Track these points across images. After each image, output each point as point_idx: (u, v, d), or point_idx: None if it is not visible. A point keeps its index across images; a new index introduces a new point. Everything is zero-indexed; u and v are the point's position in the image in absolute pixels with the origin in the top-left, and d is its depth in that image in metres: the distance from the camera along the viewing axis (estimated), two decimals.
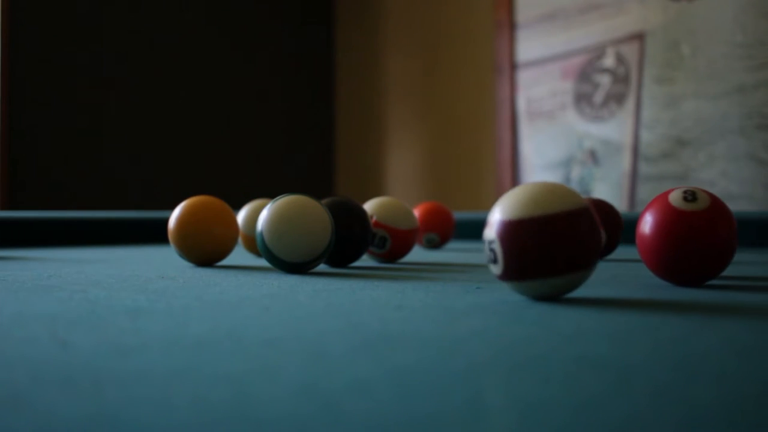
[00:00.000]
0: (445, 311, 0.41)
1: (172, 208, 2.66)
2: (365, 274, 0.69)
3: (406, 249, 0.88)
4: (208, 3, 2.90)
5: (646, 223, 0.54)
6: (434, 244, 1.25)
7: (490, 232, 0.45)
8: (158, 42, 2.73)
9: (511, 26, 2.52)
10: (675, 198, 0.54)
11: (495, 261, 0.44)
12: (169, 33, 2.77)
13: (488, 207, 2.63)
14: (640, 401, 0.21)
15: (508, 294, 0.50)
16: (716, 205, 0.53)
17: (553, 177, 2.39)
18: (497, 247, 0.44)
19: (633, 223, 1.41)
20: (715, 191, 1.97)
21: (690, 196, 0.53)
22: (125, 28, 2.64)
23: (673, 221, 0.52)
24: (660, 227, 0.53)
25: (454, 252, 1.18)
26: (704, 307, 0.43)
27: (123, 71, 2.62)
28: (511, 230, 0.43)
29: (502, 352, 0.29)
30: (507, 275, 0.44)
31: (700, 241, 0.52)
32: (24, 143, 2.37)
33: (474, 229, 1.72)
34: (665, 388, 0.23)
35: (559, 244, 0.42)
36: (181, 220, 0.77)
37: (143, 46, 2.69)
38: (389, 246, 0.85)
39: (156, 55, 2.72)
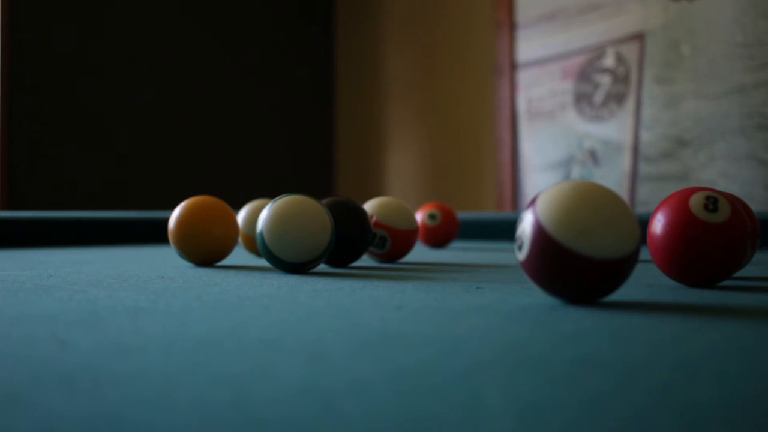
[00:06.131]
0: (445, 311, 0.41)
1: (172, 208, 2.66)
2: (365, 274, 0.69)
3: (406, 249, 0.88)
4: (209, 3, 2.90)
5: (660, 223, 0.52)
6: (436, 220, 1.30)
7: (528, 223, 0.41)
8: (158, 42, 2.73)
9: (511, 26, 2.52)
10: (696, 204, 0.51)
11: (520, 249, 0.42)
12: (169, 33, 2.77)
13: (488, 207, 2.63)
14: (641, 401, 0.21)
15: (508, 294, 0.50)
16: (736, 215, 0.51)
17: (553, 177, 2.39)
18: (527, 242, 0.41)
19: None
20: None
21: (712, 205, 0.51)
22: (125, 28, 2.64)
23: (690, 228, 0.50)
24: (675, 232, 0.51)
25: (454, 252, 1.18)
26: (704, 306, 0.43)
27: (123, 71, 2.62)
28: (546, 245, 0.40)
29: (502, 352, 0.29)
30: (526, 270, 0.43)
31: (716, 251, 0.50)
32: (24, 143, 2.37)
33: (474, 229, 1.72)
34: (666, 387, 0.23)
35: (588, 285, 0.40)
36: (181, 220, 0.77)
37: (143, 46, 2.69)
38: (389, 246, 0.85)
39: (156, 54, 2.72)
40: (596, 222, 0.39)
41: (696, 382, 0.24)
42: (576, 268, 0.39)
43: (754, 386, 0.23)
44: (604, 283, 0.41)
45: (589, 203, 0.40)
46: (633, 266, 0.41)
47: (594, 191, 0.40)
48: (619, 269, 0.40)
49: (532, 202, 0.43)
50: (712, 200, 0.51)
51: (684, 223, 0.51)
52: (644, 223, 1.36)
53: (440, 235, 1.30)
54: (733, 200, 0.53)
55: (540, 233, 0.40)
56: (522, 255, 0.42)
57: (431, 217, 1.30)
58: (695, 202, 0.51)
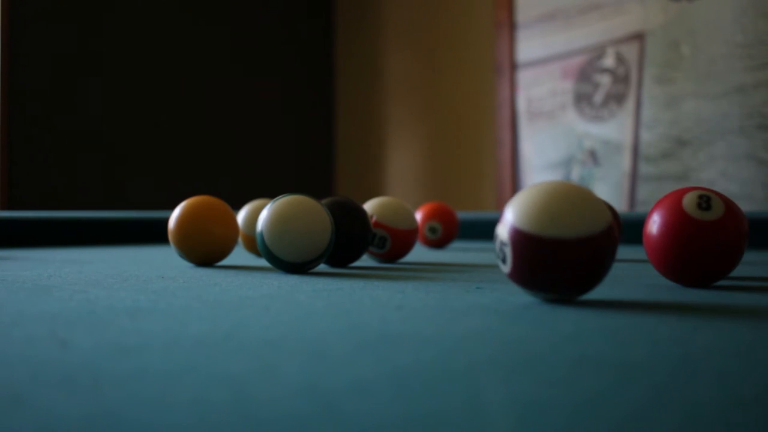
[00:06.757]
0: (445, 311, 0.41)
1: (172, 208, 2.66)
2: (365, 274, 0.69)
3: (406, 249, 0.88)
4: (209, 3, 2.90)
5: (655, 224, 0.53)
6: (437, 234, 1.26)
7: (503, 231, 0.42)
8: (158, 42, 2.73)
9: (511, 26, 2.52)
10: (689, 203, 0.51)
11: (504, 261, 0.43)
12: (169, 33, 2.77)
13: (488, 207, 2.63)
14: (641, 401, 0.21)
15: (508, 294, 0.50)
16: (730, 213, 0.51)
17: (553, 177, 2.39)
18: (508, 251, 0.42)
19: (634, 223, 1.40)
20: None
21: (705, 203, 0.51)
22: (125, 28, 2.64)
23: (684, 227, 0.51)
24: (670, 232, 0.51)
25: (454, 252, 1.18)
26: (704, 306, 0.43)
27: (123, 71, 2.62)
28: (524, 242, 0.41)
29: (502, 352, 0.29)
30: (514, 279, 0.43)
31: (711, 249, 0.50)
32: (24, 143, 2.37)
33: (474, 229, 1.72)
34: (665, 387, 0.23)
35: (572, 268, 0.41)
36: (181, 220, 0.77)
37: (143, 46, 2.69)
38: (389, 246, 0.85)
39: (155, 54, 2.72)
40: (565, 205, 0.40)
41: (695, 381, 0.24)
42: (557, 252, 0.40)
43: (753, 386, 0.23)
44: (587, 263, 0.41)
45: (554, 192, 0.41)
46: (612, 242, 0.41)
47: (556, 183, 0.42)
48: (598, 245, 0.40)
49: (502, 215, 0.43)
50: (705, 198, 0.52)
51: (678, 222, 0.51)
52: (642, 223, 1.36)
53: (440, 242, 1.29)
54: (725, 199, 0.53)
55: (516, 234, 0.41)
56: (506, 267, 0.43)
57: (432, 230, 1.26)
58: (688, 201, 0.52)
